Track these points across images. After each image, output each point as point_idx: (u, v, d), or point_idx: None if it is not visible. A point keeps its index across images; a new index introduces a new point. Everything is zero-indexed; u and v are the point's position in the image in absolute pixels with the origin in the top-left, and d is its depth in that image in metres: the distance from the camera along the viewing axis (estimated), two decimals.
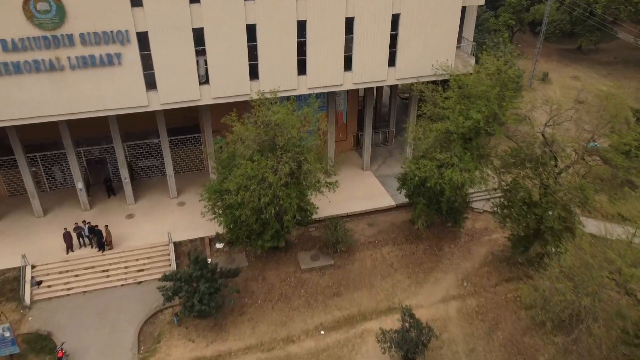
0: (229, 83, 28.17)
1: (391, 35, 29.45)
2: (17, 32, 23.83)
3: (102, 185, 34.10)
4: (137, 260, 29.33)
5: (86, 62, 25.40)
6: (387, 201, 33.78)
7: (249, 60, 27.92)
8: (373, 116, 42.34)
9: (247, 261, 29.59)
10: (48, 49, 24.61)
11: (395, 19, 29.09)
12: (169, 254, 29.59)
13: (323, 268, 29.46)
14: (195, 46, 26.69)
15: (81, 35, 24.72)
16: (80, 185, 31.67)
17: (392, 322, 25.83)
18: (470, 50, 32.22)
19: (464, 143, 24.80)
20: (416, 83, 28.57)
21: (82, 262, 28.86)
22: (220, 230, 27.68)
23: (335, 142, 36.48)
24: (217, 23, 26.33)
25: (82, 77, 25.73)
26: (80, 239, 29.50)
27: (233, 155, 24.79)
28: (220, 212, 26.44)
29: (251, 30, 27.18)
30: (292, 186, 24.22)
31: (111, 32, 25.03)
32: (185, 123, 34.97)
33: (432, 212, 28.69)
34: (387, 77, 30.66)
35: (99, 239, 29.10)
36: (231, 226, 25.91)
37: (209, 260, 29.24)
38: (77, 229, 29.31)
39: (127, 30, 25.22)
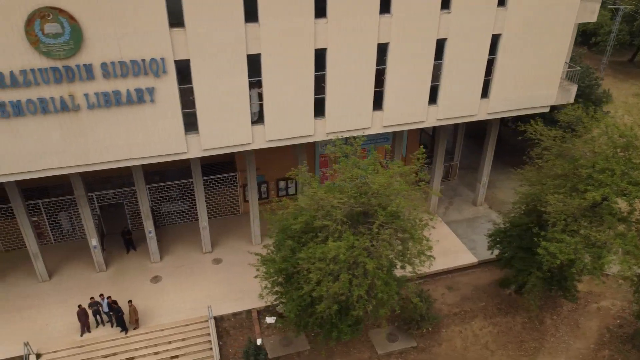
0: (287, 122, 22.11)
1: (487, 60, 23.49)
2: (18, 62, 17.67)
3: (118, 236, 27.98)
4: (169, 343, 23.20)
5: (109, 100, 19.25)
6: (467, 257, 27.86)
7: (315, 94, 21.87)
8: (432, 146, 36.61)
9: (308, 343, 23.54)
10: (59, 84, 18.45)
11: (494, 40, 23.13)
12: (209, 334, 23.49)
13: (404, 352, 23.49)
14: (249, 77, 20.58)
15: (103, 65, 18.57)
16: (94, 242, 25.48)
17: None
18: (575, 76, 26.25)
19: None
20: (532, 125, 22.52)
21: (100, 348, 22.68)
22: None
23: None
24: (279, 48, 20.26)
25: (103, 120, 19.60)
26: (98, 316, 23.33)
27: (307, 225, 18.58)
28: (281, 292, 20.45)
29: (320, 56, 21.13)
30: (391, 271, 18.23)
31: (142, 60, 18.89)
32: (217, 160, 28.88)
33: (544, 284, 22.70)
34: (478, 111, 24.68)
35: (118, 319, 22.93)
36: (297, 314, 19.76)
37: (259, 341, 23.25)
38: (94, 305, 23.10)
39: (163, 58, 19.09)
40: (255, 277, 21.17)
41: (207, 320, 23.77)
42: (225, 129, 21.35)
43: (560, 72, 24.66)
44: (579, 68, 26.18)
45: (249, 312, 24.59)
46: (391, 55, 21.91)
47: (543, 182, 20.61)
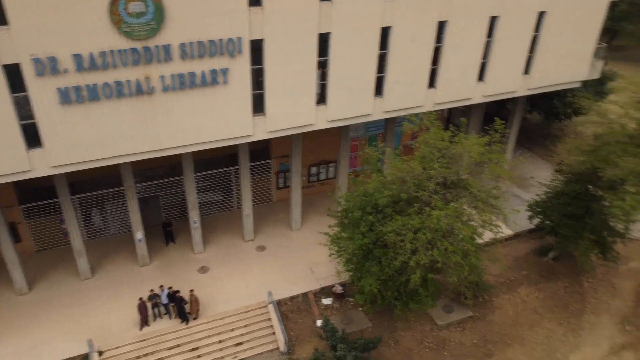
0: (349, 102, 22.31)
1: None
2: (98, 43, 16.94)
3: (154, 229, 27.20)
4: (232, 330, 22.93)
5: (183, 82, 18.79)
6: (503, 230, 28.89)
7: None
8: (446, 127, 37.64)
9: (369, 320, 23.89)
10: (136, 66, 17.84)
11: (539, 18, 24.22)
12: (269, 319, 23.39)
13: (462, 322, 24.28)
14: (317, 57, 20.63)
15: (181, 45, 18.10)
16: (140, 235, 24.75)
17: None
18: (599, 53, 27.86)
19: None
20: (582, 98, 23.79)
21: (163, 340, 22.12)
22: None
23: None
24: (348, 26, 20.40)
25: (176, 103, 19.10)
26: (156, 309, 22.71)
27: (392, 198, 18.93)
28: (354, 268, 20.75)
29: (384, 35, 21.43)
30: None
31: (220, 40, 18.55)
32: (251, 147, 28.56)
33: (591, 246, 24.10)
34: (519, 87, 25.78)
35: (180, 309, 22.42)
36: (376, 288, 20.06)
37: (319, 322, 23.37)
38: (153, 297, 22.49)
39: (239, 38, 18.82)
40: (330, 255, 21.37)
41: (266, 306, 23.67)
42: (290, 110, 21.29)
43: (593, 49, 26.11)
44: (605, 44, 27.74)
45: (305, 295, 24.63)
46: (448, 34, 22.51)
47: (596, 150, 21.80)
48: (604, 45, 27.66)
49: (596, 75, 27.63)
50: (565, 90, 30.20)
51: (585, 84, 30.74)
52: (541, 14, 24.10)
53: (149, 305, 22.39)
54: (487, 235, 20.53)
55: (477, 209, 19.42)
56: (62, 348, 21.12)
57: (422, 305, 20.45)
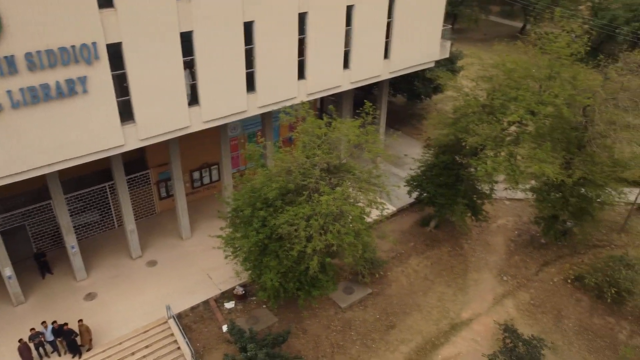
0: (223, 100, 21.92)
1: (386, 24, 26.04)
2: None
3: (25, 263, 24.63)
4: (132, 354, 21.57)
5: (36, 96, 17.10)
6: (387, 207, 30.48)
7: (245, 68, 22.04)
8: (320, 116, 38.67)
9: (275, 315, 23.87)
10: None
11: (390, 4, 25.71)
12: (172, 334, 22.39)
13: (363, 300, 25.21)
14: (182, 56, 19.96)
15: (27, 56, 16.43)
16: (9, 272, 22.24)
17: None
18: (446, 34, 30.35)
19: None
20: (438, 72, 25.63)
21: None
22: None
23: None
24: (210, 23, 19.99)
25: (30, 119, 17.35)
26: (40, 348, 20.59)
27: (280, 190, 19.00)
28: (253, 266, 20.60)
29: (247, 30, 21.35)
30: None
31: (72, 47, 17.16)
32: (125, 159, 27.02)
33: (465, 210, 26.31)
34: (382, 71, 27.22)
35: (70, 343, 20.59)
36: (277, 281, 20.09)
37: (225, 327, 22.96)
38: (35, 336, 20.33)
39: (94, 43, 17.56)
40: (226, 257, 20.93)
41: (166, 321, 22.64)
42: (162, 115, 20.39)
43: (441, 31, 28.38)
44: (450, 26, 30.29)
45: (205, 302, 23.96)
46: (309, 25, 23.04)
47: (456, 122, 23.77)
48: (448, 27, 30.23)
49: (446, 55, 30.12)
50: (423, 71, 32.53)
51: (438, 64, 33.39)
52: (391, 1, 25.62)
53: (31, 345, 20.22)
54: (374, 214, 21.46)
55: (361, 189, 20.18)
56: None
57: (324, 290, 20.87)
